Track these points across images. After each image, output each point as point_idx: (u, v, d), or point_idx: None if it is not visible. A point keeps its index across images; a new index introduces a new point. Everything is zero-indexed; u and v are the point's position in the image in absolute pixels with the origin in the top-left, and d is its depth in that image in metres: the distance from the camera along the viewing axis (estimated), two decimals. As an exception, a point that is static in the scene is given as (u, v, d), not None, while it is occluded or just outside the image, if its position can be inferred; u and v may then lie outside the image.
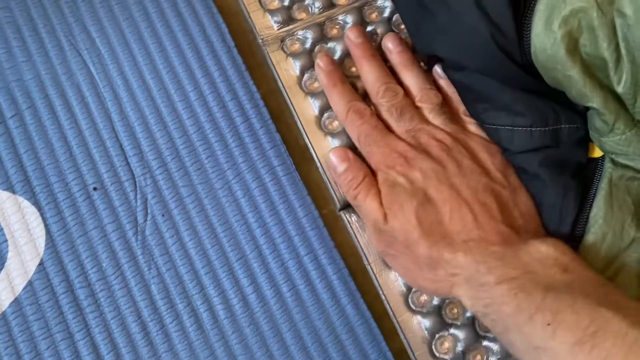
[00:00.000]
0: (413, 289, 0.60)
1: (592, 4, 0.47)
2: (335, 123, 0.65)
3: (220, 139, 0.64)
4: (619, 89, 0.48)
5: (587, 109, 0.53)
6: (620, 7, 0.46)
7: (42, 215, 0.60)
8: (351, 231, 0.62)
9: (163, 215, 0.61)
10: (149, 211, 0.61)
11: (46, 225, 0.60)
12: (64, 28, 0.66)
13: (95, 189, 0.61)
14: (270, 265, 0.60)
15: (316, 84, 0.66)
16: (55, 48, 0.65)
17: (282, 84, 0.66)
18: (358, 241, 0.61)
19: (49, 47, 0.65)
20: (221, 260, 0.60)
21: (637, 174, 0.53)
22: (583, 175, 0.54)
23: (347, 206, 0.63)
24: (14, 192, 0.60)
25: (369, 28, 0.68)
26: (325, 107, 0.65)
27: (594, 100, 0.49)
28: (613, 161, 0.53)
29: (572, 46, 0.49)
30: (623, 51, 0.47)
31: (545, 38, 0.50)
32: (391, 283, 0.60)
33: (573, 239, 0.53)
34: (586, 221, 0.52)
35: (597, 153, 0.55)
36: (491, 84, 0.55)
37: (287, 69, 0.66)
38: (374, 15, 0.69)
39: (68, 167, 0.61)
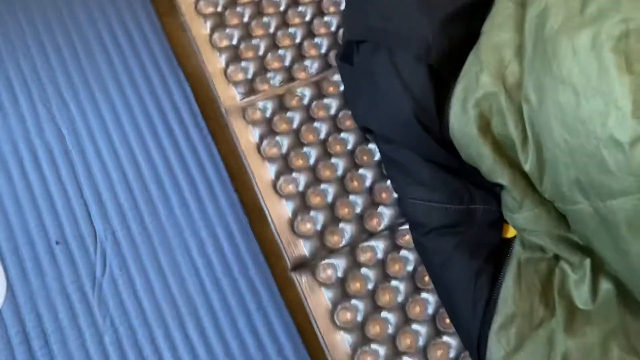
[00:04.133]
0: (359, 350, 0.63)
1: (501, 90, 0.53)
2: (291, 186, 0.70)
3: (179, 198, 0.68)
4: (526, 168, 0.54)
5: (501, 187, 0.58)
6: (526, 94, 0.52)
7: (3, 265, 0.62)
8: (301, 292, 0.65)
9: (120, 270, 0.64)
10: (107, 265, 0.64)
11: (7, 276, 0.62)
12: (40, 92, 0.70)
13: (57, 242, 0.64)
14: (220, 321, 0.63)
15: (274, 150, 0.71)
16: (30, 110, 0.69)
17: (242, 150, 0.70)
18: (307, 301, 0.65)
19: (24, 109, 0.69)
20: (173, 315, 0.62)
21: (544, 254, 0.57)
22: (496, 257, 0.59)
23: (298, 266, 0.66)
24: (-22, 244, 0.63)
25: (325, 100, 0.74)
26: (281, 172, 0.70)
27: (503, 177, 0.54)
28: (522, 243, 0.58)
29: (485, 126, 0.55)
30: (529, 133, 0.52)
31: (461, 117, 0.55)
32: (337, 344, 0.63)
33: (485, 321, 0.56)
34: (496, 302, 0.56)
35: (511, 233, 0.60)
36: (414, 159, 0.60)
37: (247, 136, 0.71)
38: (331, 89, 0.75)
39: (33, 221, 0.64)
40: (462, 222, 0.61)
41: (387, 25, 0.60)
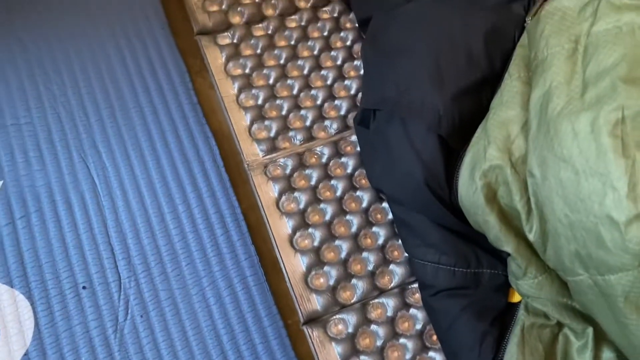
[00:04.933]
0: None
1: (507, 163, 0.57)
2: (306, 241, 0.73)
3: (200, 248, 0.71)
4: (531, 238, 0.56)
5: (507, 253, 0.61)
6: (530, 168, 0.55)
7: (33, 309, 0.66)
8: (312, 346, 0.68)
9: (141, 317, 0.67)
10: (129, 311, 0.67)
11: (36, 319, 0.66)
12: (76, 143, 0.76)
13: (84, 287, 0.68)
14: (233, 370, 0.65)
15: (292, 205, 0.75)
16: (67, 159, 0.75)
17: (262, 204, 0.74)
18: (318, 356, 0.67)
19: (61, 158, 0.75)
20: (189, 362, 0.65)
21: (548, 321, 0.59)
22: (501, 321, 0.61)
23: (310, 320, 0.69)
24: (11, 285, 0.67)
25: (342, 159, 0.78)
26: (298, 227, 0.73)
27: (509, 245, 0.57)
28: (526, 308, 0.60)
29: (491, 196, 0.57)
30: (533, 205, 0.55)
31: (469, 186, 0.59)
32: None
33: None
34: None
35: (516, 298, 0.62)
36: (424, 222, 0.63)
37: (267, 191, 0.75)
38: (348, 149, 0.79)
39: (63, 266, 0.69)
40: (469, 285, 0.63)
41: (402, 96, 0.64)
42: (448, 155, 0.62)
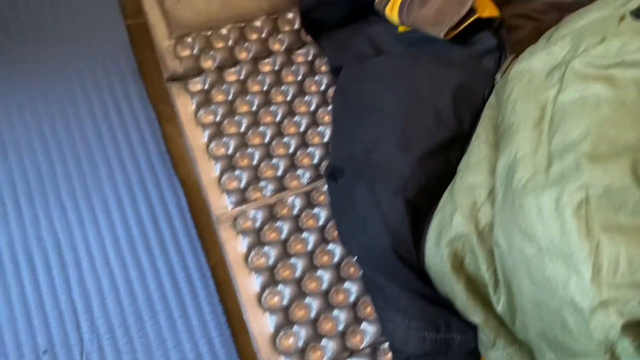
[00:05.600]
0: None
1: (473, 231, 0.54)
2: (275, 299, 0.71)
3: (165, 308, 0.69)
4: (498, 309, 0.54)
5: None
6: (496, 239, 0.53)
7: (-9, 374, 0.65)
8: (279, 407, 0.65)
9: (103, 382, 0.65)
10: (90, 376, 0.65)
11: (-6, 384, 0.64)
12: (41, 197, 0.74)
13: (45, 351, 0.66)
14: None
15: (262, 260, 0.73)
16: (31, 214, 0.73)
17: (229, 260, 0.72)
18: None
19: (25, 213, 0.73)
20: None
21: None
22: None
23: (277, 382, 0.67)
24: (-30, 349, 0.66)
25: (315, 210, 0.76)
26: (267, 284, 0.71)
27: (476, 315, 0.55)
28: None
29: (458, 264, 0.55)
30: (500, 277, 0.53)
31: (435, 253, 0.56)
32: None
33: None
34: None
35: (488, 363, 0.60)
36: (392, 286, 0.61)
37: (236, 246, 0.73)
38: (321, 198, 0.77)
39: (23, 328, 0.67)
40: (439, 351, 0.61)
41: (369, 157, 0.62)
42: (415, 217, 0.60)
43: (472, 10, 0.62)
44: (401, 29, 0.68)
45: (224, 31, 0.85)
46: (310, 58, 0.86)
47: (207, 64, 0.84)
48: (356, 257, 0.68)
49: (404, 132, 0.61)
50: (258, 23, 0.87)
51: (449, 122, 0.61)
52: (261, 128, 0.81)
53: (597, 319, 0.44)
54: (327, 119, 0.82)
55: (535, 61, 0.55)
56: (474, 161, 0.58)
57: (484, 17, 0.63)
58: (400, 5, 0.66)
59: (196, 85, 0.82)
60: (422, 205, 0.60)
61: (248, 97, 0.83)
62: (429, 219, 0.59)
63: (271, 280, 0.71)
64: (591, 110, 0.49)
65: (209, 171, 0.78)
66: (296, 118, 0.82)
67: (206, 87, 0.82)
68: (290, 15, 0.87)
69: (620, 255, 0.44)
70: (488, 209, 0.55)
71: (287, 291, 0.71)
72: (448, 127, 0.61)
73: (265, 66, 0.85)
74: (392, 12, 0.67)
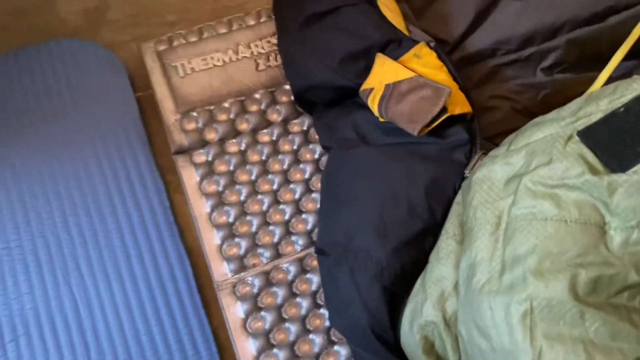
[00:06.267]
0: None
1: (441, 320, 0.61)
2: (270, 363, 0.78)
3: (173, 371, 0.77)
4: (467, 392, 0.60)
5: None
6: (459, 328, 0.59)
7: None
8: None
9: None
10: None
11: None
12: (61, 266, 0.82)
13: (66, 410, 0.75)
14: None
15: (259, 324, 0.80)
16: (52, 283, 0.81)
17: (229, 325, 0.80)
18: None
19: (47, 282, 0.81)
20: None
21: None
22: None
23: None
24: (1, 408, 0.74)
25: (307, 275, 0.83)
26: (263, 349, 0.79)
27: None
28: None
29: (429, 347, 0.62)
30: (464, 360, 0.60)
31: (409, 336, 0.63)
32: None
33: None
34: None
35: None
36: (373, 359, 0.68)
37: (235, 312, 0.81)
38: (314, 264, 0.84)
39: (47, 390, 0.75)
40: None
41: (349, 244, 0.68)
42: (392, 301, 0.66)
43: (444, 109, 0.68)
44: (381, 119, 0.74)
45: (226, 104, 0.93)
46: (305, 127, 0.93)
47: (211, 136, 0.91)
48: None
49: (380, 222, 0.67)
50: (257, 96, 0.94)
51: (422, 214, 0.67)
52: (259, 196, 0.88)
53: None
54: (319, 185, 0.89)
55: (496, 169, 0.61)
56: (442, 255, 0.64)
57: (455, 114, 0.69)
58: (380, 99, 0.72)
59: (200, 157, 0.90)
60: (398, 290, 0.66)
61: (248, 167, 0.90)
62: (405, 302, 0.66)
63: (267, 345, 0.79)
64: (539, 226, 0.54)
65: (211, 239, 0.85)
66: (291, 186, 0.89)
67: (209, 158, 0.90)
68: (287, 87, 0.94)
69: (559, 361, 0.50)
70: (454, 300, 0.62)
71: (281, 355, 0.78)
72: (421, 219, 0.67)
73: (264, 136, 0.92)
74: (373, 104, 0.73)
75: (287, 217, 0.87)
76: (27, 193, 0.86)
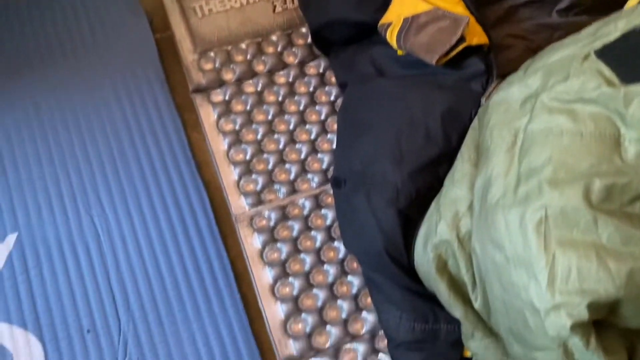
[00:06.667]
0: None
1: (455, 238, 0.63)
2: (287, 289, 0.80)
3: (191, 296, 0.80)
4: (476, 306, 0.62)
5: None
6: (473, 246, 0.61)
7: (44, 350, 0.76)
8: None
9: (137, 358, 0.76)
10: (127, 353, 0.76)
11: (46, 358, 0.76)
12: (82, 197, 0.84)
13: (88, 331, 0.77)
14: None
15: (275, 255, 0.82)
16: (74, 213, 0.83)
17: (247, 255, 0.82)
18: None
19: (69, 212, 0.83)
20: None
21: None
22: None
23: (288, 361, 0.77)
24: (26, 328, 0.77)
25: (322, 211, 0.85)
26: (279, 277, 0.81)
27: (457, 311, 0.63)
28: None
29: (442, 266, 0.64)
30: (477, 279, 0.61)
31: (422, 256, 0.65)
32: None
33: None
34: None
35: (469, 353, 0.69)
36: (387, 282, 0.70)
37: (252, 243, 0.83)
38: (329, 200, 0.86)
39: (70, 312, 0.78)
40: (427, 340, 0.70)
41: (367, 170, 0.70)
42: (407, 224, 0.68)
43: (462, 39, 0.70)
44: (400, 52, 0.75)
45: (243, 46, 0.94)
46: (321, 70, 0.94)
47: (228, 76, 0.93)
48: (356, 257, 0.77)
49: (397, 149, 0.69)
50: (274, 37, 0.95)
51: (438, 140, 0.69)
52: (276, 136, 0.90)
53: (551, 319, 0.53)
54: (335, 127, 0.90)
55: (512, 91, 0.62)
56: (457, 177, 0.66)
57: (473, 44, 0.71)
58: (398, 32, 0.73)
59: (218, 96, 0.92)
60: (412, 213, 0.68)
61: (264, 107, 0.91)
62: (419, 225, 0.68)
63: (283, 273, 0.81)
64: (554, 140, 0.56)
65: (228, 175, 0.87)
66: (307, 126, 0.91)
67: (227, 98, 0.91)
68: (303, 30, 0.95)
69: (572, 266, 0.52)
70: (468, 220, 0.64)
71: (297, 283, 0.81)
72: (437, 145, 0.69)
73: (281, 78, 0.94)
74: (391, 37, 0.75)
75: (302, 156, 0.89)
76: (49, 125, 0.88)
